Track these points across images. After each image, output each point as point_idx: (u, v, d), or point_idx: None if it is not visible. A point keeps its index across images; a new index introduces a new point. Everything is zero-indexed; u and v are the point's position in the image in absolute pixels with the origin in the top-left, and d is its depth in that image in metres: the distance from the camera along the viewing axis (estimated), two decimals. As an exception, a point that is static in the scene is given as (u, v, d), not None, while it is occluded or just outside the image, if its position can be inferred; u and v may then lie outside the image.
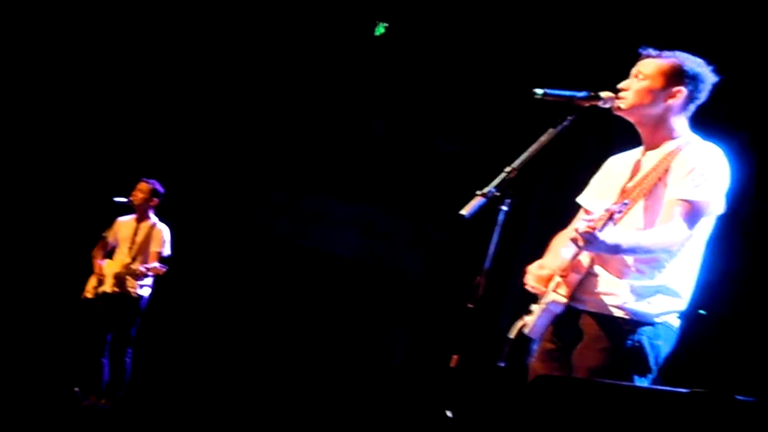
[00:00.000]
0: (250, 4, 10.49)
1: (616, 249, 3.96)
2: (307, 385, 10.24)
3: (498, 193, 3.90)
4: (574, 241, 3.90)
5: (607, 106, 4.16)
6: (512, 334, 4.29)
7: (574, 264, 4.16)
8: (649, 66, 4.20)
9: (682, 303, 4.15)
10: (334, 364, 10.52)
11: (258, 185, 11.13)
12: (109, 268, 8.86)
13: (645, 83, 4.18)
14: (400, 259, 11.04)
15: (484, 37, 9.90)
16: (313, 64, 10.82)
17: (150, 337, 9.36)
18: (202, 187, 10.89)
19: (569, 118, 4.07)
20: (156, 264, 8.72)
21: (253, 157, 11.07)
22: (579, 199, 4.46)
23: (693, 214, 4.01)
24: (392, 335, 10.82)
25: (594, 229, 3.81)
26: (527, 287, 4.31)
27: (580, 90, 4.13)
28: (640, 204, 4.12)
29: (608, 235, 3.83)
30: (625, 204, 3.93)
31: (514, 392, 3.87)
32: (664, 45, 4.27)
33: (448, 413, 3.94)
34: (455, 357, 3.95)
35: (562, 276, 4.18)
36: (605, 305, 4.10)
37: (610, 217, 3.81)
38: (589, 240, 3.83)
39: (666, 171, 4.09)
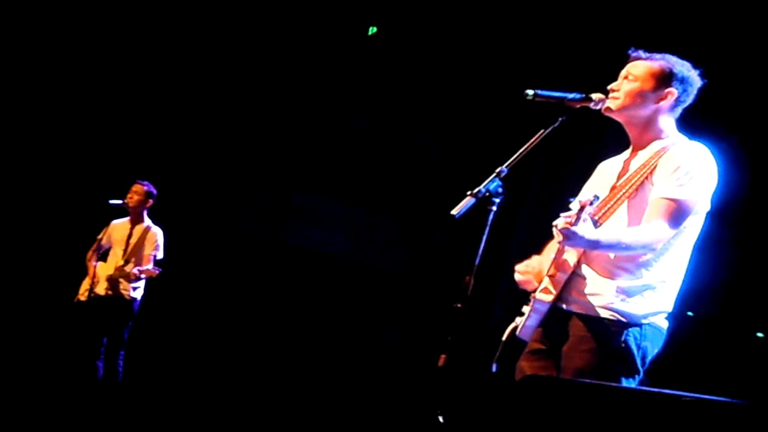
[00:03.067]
0: (240, 4, 10.46)
1: (595, 244, 3.98)
2: (296, 384, 10.23)
3: (488, 193, 3.92)
4: (555, 236, 3.96)
5: (598, 107, 4.19)
6: (504, 336, 4.30)
7: (559, 263, 4.18)
8: (639, 68, 4.23)
9: (670, 303, 4.16)
10: (322, 363, 10.52)
11: (249, 185, 11.12)
12: (102, 270, 8.85)
13: (635, 84, 4.20)
14: (389, 258, 11.04)
15: (476, 39, 9.91)
16: (303, 63, 10.81)
17: (142, 340, 9.33)
18: (190, 188, 10.87)
19: (560, 119, 4.08)
20: (149, 266, 8.72)
21: (242, 156, 11.06)
22: (572, 205, 4.46)
23: (677, 212, 4.02)
24: (381, 334, 10.81)
25: (570, 224, 3.84)
26: (516, 280, 4.37)
27: (571, 91, 4.15)
28: (626, 203, 4.14)
29: (585, 229, 3.87)
30: (597, 197, 3.95)
31: (504, 393, 3.88)
32: (652, 47, 4.29)
33: (440, 418, 3.95)
34: (443, 356, 3.94)
35: (549, 276, 4.20)
36: (592, 306, 4.11)
37: (582, 209, 3.85)
38: (566, 235, 3.87)
39: (652, 170, 4.11)
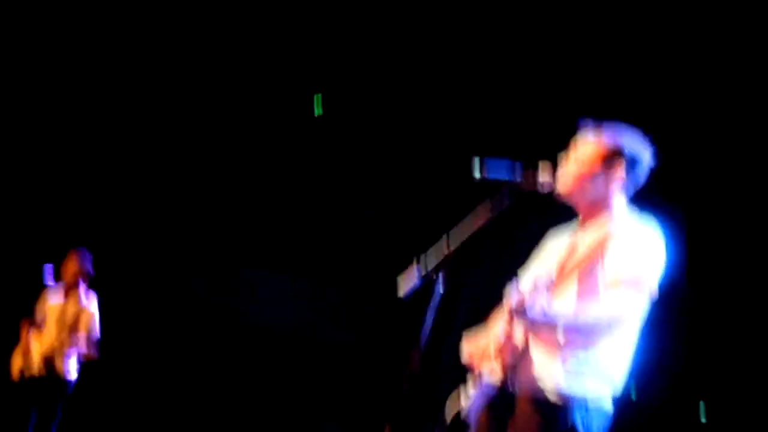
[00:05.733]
0: (188, 66, 10.42)
1: (553, 321, 3.96)
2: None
3: (434, 276, 3.90)
4: (508, 314, 3.94)
5: (546, 190, 4.14)
6: (448, 418, 4.24)
7: (506, 344, 4.13)
8: (588, 149, 4.22)
9: (616, 387, 4.13)
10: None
11: (192, 255, 11.02)
12: (36, 348, 8.66)
13: (584, 168, 4.20)
14: (332, 332, 10.96)
15: (423, 105, 9.94)
16: (247, 132, 10.78)
17: (76, 416, 9.12)
18: (131, 257, 10.73)
19: (506, 203, 4.05)
20: (88, 350, 8.57)
21: (188, 227, 10.97)
22: (522, 274, 4.43)
23: (630, 296, 4.00)
24: (325, 409, 10.69)
25: (524, 302, 3.83)
26: (463, 362, 4.30)
27: (519, 160, 4.11)
28: (575, 286, 4.09)
29: (542, 306, 3.86)
30: (551, 280, 3.93)
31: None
32: (602, 114, 4.31)
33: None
34: (387, 428, 3.90)
35: (495, 357, 4.15)
36: (539, 388, 4.06)
37: (536, 288, 3.84)
38: (520, 312, 3.87)
39: (602, 254, 4.07)
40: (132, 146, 10.77)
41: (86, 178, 10.70)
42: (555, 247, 4.38)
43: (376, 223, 10.84)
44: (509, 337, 4.12)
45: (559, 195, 4.21)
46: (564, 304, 4.06)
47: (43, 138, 10.59)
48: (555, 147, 4.32)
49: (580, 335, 4.04)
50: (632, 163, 4.20)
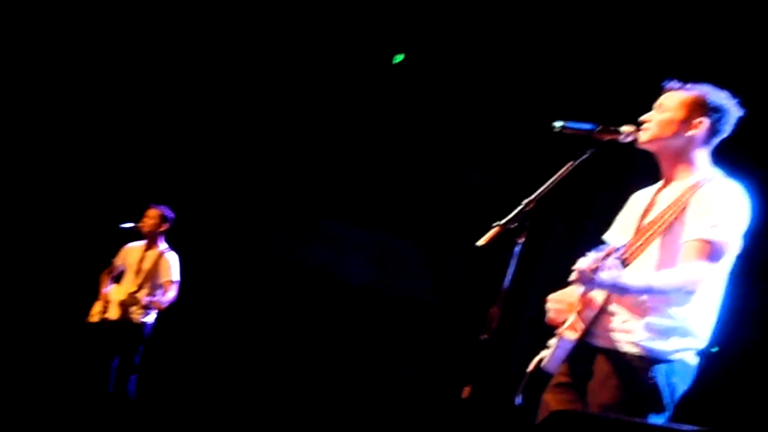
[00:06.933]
0: (269, 27, 10.43)
1: (622, 290, 3.91)
2: (316, 415, 10.16)
3: (515, 225, 3.88)
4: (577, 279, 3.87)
5: (627, 140, 4.12)
6: (530, 368, 4.25)
7: (586, 300, 4.11)
8: (672, 98, 4.17)
9: (700, 341, 4.08)
10: (344, 394, 10.44)
11: (271, 210, 11.09)
12: (114, 294, 8.81)
13: (666, 114, 4.14)
14: (414, 287, 10.98)
15: (507, 68, 9.86)
16: (332, 88, 10.78)
17: (154, 364, 9.27)
18: (214, 212, 10.84)
19: (588, 151, 4.05)
20: (160, 299, 8.67)
21: (267, 182, 11.04)
22: (605, 237, 4.40)
23: (711, 254, 3.93)
24: (404, 364, 10.73)
25: (592, 269, 3.75)
26: (548, 315, 4.28)
27: (600, 123, 4.11)
28: (657, 241, 4.06)
29: (609, 276, 3.77)
30: (623, 246, 3.88)
31: (529, 426, 3.85)
32: (688, 79, 4.23)
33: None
34: (467, 388, 3.91)
35: (576, 311, 4.14)
36: (620, 342, 4.04)
37: (607, 256, 3.75)
38: (585, 281, 3.80)
39: (684, 208, 4.03)
40: (209, 102, 10.82)
41: (168, 139, 10.79)
42: (637, 206, 4.34)
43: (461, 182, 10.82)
44: (589, 293, 4.09)
45: (641, 144, 4.16)
46: (646, 262, 4.04)
47: (123, 101, 10.69)
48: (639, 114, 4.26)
49: (657, 298, 4.01)
50: (716, 112, 4.13)
